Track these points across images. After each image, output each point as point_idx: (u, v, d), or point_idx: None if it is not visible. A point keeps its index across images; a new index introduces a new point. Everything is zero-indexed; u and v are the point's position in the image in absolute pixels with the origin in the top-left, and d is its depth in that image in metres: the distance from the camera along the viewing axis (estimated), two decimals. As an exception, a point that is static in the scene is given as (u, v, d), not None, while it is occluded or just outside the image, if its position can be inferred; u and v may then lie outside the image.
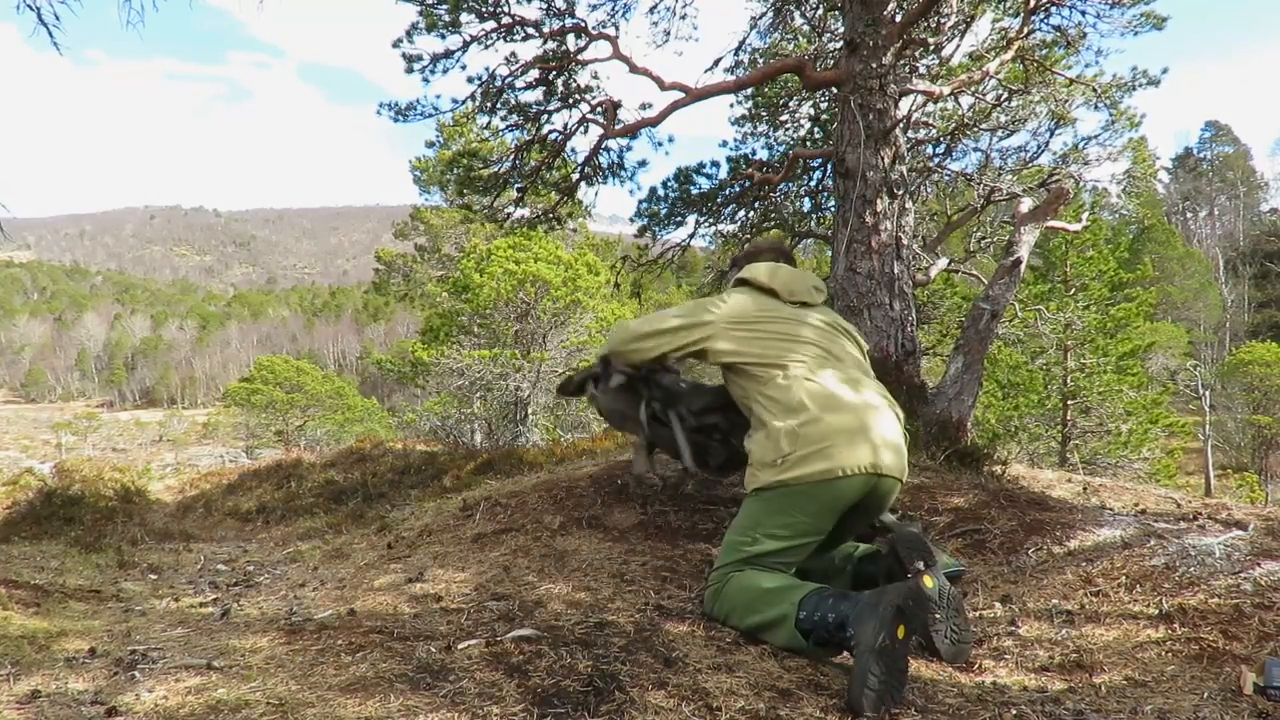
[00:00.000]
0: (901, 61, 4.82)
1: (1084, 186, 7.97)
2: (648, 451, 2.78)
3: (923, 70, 6.01)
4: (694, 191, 6.43)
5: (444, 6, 4.92)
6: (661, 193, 6.50)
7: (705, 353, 2.15)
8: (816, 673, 1.65)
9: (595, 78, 5.49)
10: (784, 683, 1.56)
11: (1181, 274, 32.72)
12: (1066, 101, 6.46)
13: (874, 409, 1.99)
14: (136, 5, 4.61)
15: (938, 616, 1.78)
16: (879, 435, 1.93)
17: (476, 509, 2.96)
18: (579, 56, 5.28)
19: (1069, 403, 13.43)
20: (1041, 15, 5.53)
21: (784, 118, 7.64)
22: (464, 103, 5.45)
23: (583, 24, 5.20)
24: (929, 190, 7.71)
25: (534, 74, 5.34)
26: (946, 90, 5.48)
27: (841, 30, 5.39)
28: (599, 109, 5.42)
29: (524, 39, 5.23)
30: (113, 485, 5.31)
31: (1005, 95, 6.49)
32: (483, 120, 5.84)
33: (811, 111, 7.48)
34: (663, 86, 5.01)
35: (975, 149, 7.25)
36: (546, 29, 5.17)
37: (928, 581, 1.80)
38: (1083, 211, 8.83)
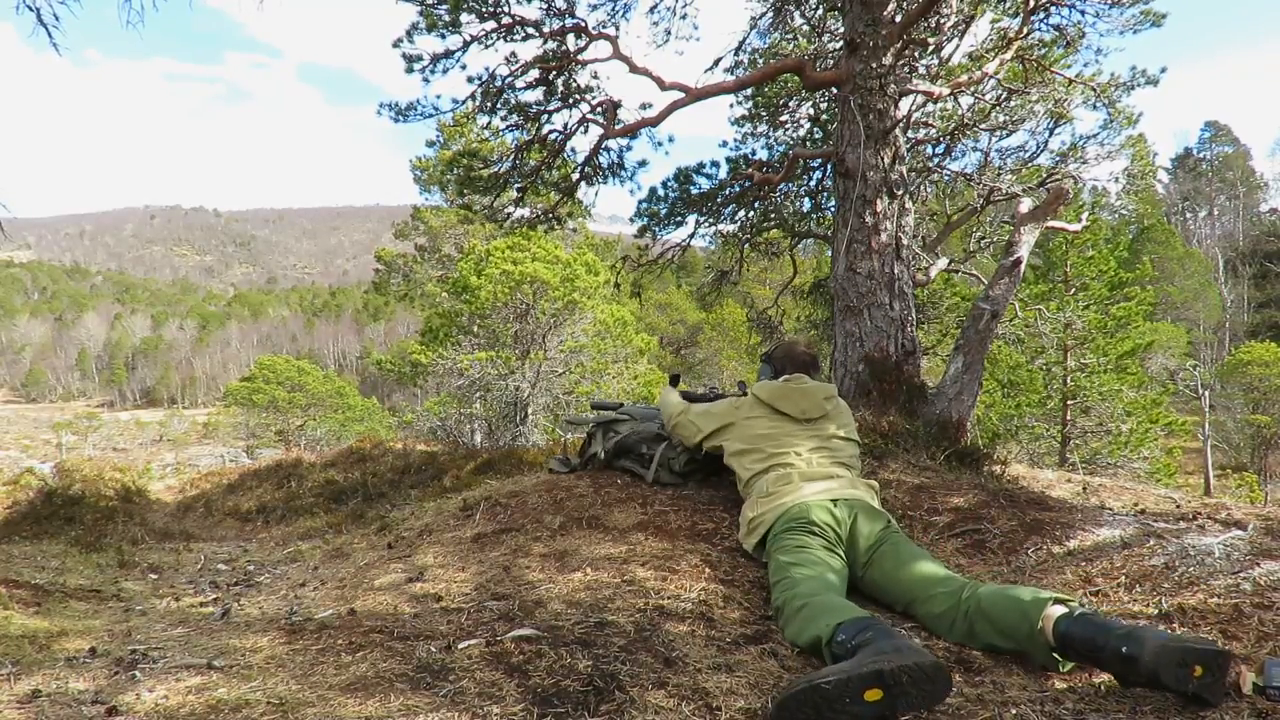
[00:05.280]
0: (901, 61, 4.82)
1: (1083, 186, 7.98)
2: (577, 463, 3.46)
3: (923, 70, 6.01)
4: (694, 191, 6.43)
5: (444, 6, 4.92)
6: (661, 193, 6.49)
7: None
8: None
9: (595, 78, 5.49)
10: (784, 683, 1.56)
11: (1181, 274, 32.68)
12: (1065, 101, 6.46)
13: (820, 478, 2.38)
14: (136, 5, 4.61)
15: None
16: (821, 483, 2.35)
17: (476, 509, 2.96)
18: (579, 56, 5.28)
19: (1069, 403, 13.42)
20: (1041, 15, 5.53)
21: (784, 118, 7.65)
22: (464, 103, 5.45)
23: (583, 24, 5.20)
24: (929, 190, 7.71)
25: (534, 74, 5.34)
26: (946, 90, 5.48)
27: (841, 30, 5.39)
28: (599, 109, 5.42)
29: (524, 39, 5.23)
30: (113, 485, 5.31)
31: (1005, 95, 6.49)
32: (483, 120, 5.83)
33: (811, 111, 7.48)
34: (663, 86, 5.01)
35: (975, 149, 7.26)
36: (546, 29, 5.17)
37: None
38: (1083, 211, 8.83)
